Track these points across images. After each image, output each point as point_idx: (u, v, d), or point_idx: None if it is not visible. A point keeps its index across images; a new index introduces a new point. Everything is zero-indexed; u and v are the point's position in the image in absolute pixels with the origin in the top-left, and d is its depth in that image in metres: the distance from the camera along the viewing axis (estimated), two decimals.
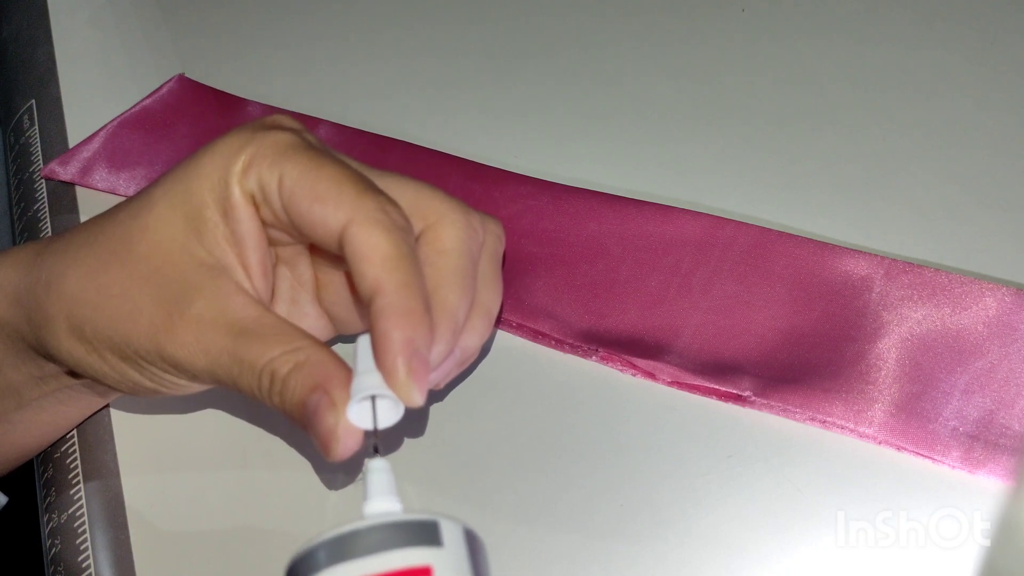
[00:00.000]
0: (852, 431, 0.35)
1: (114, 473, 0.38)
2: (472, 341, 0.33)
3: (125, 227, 0.32)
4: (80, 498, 0.38)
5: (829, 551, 0.33)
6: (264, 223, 0.32)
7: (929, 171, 0.42)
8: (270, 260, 0.33)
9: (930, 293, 0.37)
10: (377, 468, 0.30)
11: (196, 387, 0.33)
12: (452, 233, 0.32)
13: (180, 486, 0.38)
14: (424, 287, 0.30)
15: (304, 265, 0.35)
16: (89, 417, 0.40)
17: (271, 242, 0.33)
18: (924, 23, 0.49)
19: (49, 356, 0.33)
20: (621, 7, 0.53)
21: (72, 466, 0.39)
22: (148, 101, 0.50)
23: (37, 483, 0.40)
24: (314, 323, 0.35)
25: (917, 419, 0.34)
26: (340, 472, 0.36)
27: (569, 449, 0.36)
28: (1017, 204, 0.41)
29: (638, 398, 0.37)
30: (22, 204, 0.50)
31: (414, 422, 0.37)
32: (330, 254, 0.33)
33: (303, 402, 0.29)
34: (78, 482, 0.38)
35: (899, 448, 0.34)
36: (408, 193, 0.32)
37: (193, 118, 0.50)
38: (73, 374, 0.34)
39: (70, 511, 0.38)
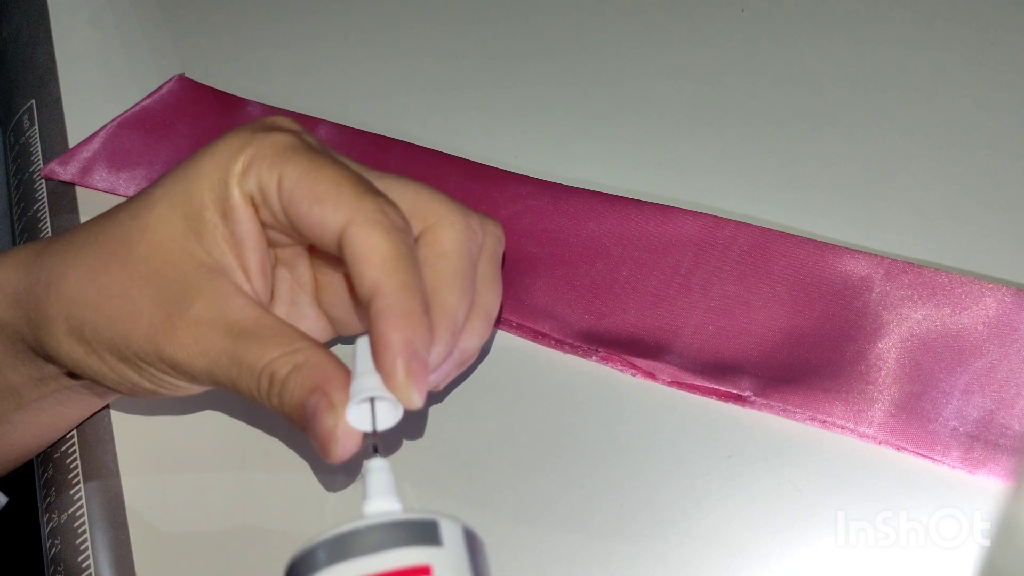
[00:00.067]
0: (852, 431, 0.35)
1: (114, 473, 0.38)
2: (471, 342, 0.33)
3: (125, 228, 0.32)
4: (80, 498, 0.38)
5: (829, 551, 0.33)
6: (263, 224, 0.32)
7: (929, 171, 0.42)
8: (269, 261, 0.33)
9: (930, 293, 0.37)
10: (376, 468, 0.30)
11: (195, 388, 0.33)
12: (451, 235, 0.32)
13: (180, 486, 0.38)
14: (423, 288, 0.30)
15: (303, 266, 0.35)
16: (89, 418, 0.40)
17: (270, 243, 0.33)
18: (924, 23, 0.49)
19: (48, 357, 0.33)
20: (621, 7, 0.53)
21: (72, 466, 0.39)
22: (148, 101, 0.50)
23: (37, 483, 0.40)
24: (313, 324, 0.35)
25: (917, 419, 0.34)
26: (340, 473, 0.36)
27: (569, 449, 0.36)
28: (1017, 204, 0.41)
29: (638, 398, 0.37)
30: (22, 204, 0.50)
31: (413, 423, 0.37)
32: (329, 255, 0.33)
33: (302, 404, 0.29)
34: (78, 482, 0.38)
35: (899, 448, 0.34)
36: (407, 194, 0.32)
37: (193, 118, 0.50)
38: (72, 375, 0.34)
39: (70, 511, 0.38)
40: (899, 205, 0.41)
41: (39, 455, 0.40)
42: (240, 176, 0.31)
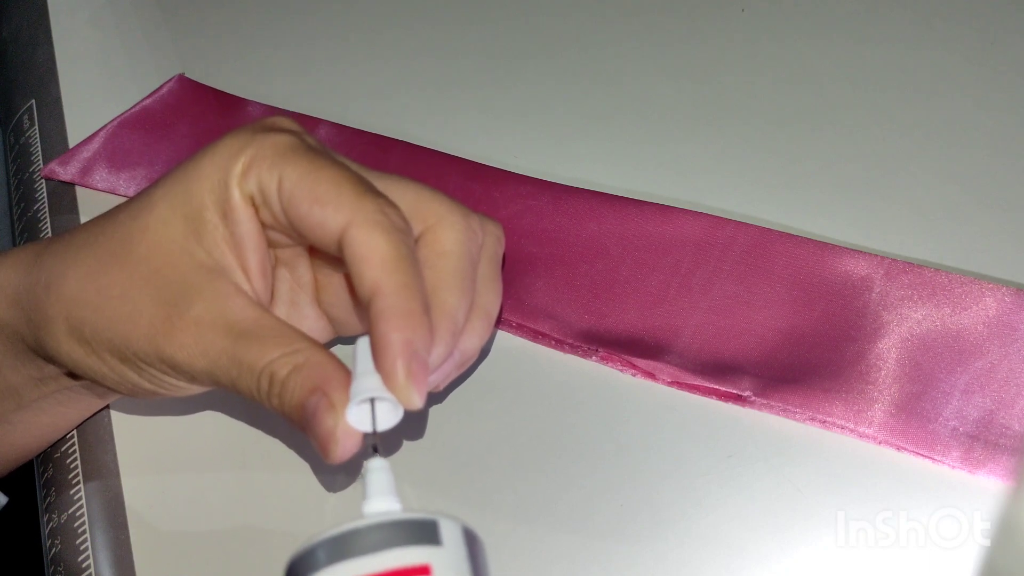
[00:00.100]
0: (852, 431, 0.35)
1: (114, 473, 0.38)
2: (471, 343, 0.33)
3: (125, 228, 0.32)
4: (80, 498, 0.38)
5: (829, 551, 0.33)
6: (264, 225, 0.32)
7: (929, 171, 0.42)
8: (269, 262, 0.33)
9: (930, 293, 0.37)
10: (376, 468, 0.30)
11: (195, 389, 0.33)
12: (451, 235, 0.32)
13: (180, 486, 0.38)
14: (423, 289, 0.30)
15: (303, 267, 0.35)
16: (89, 418, 0.40)
17: (270, 244, 0.33)
18: (924, 23, 0.49)
19: (48, 357, 0.33)
20: (621, 7, 0.53)
21: (72, 466, 0.39)
22: (148, 101, 0.50)
23: (37, 483, 0.40)
24: (313, 325, 0.35)
25: (917, 419, 0.34)
26: (340, 473, 0.36)
27: (569, 449, 0.36)
28: (1017, 204, 0.41)
29: (638, 398, 0.37)
30: (22, 204, 0.50)
31: (414, 423, 0.37)
32: (329, 256, 0.33)
33: (302, 404, 0.29)
34: (78, 482, 0.38)
35: (899, 448, 0.34)
36: (408, 195, 0.32)
37: (193, 118, 0.50)
38: (73, 375, 0.34)
39: (70, 511, 0.38)
40: (899, 205, 0.41)
41: (39, 455, 0.40)
42: (240, 177, 0.31)
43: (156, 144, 0.49)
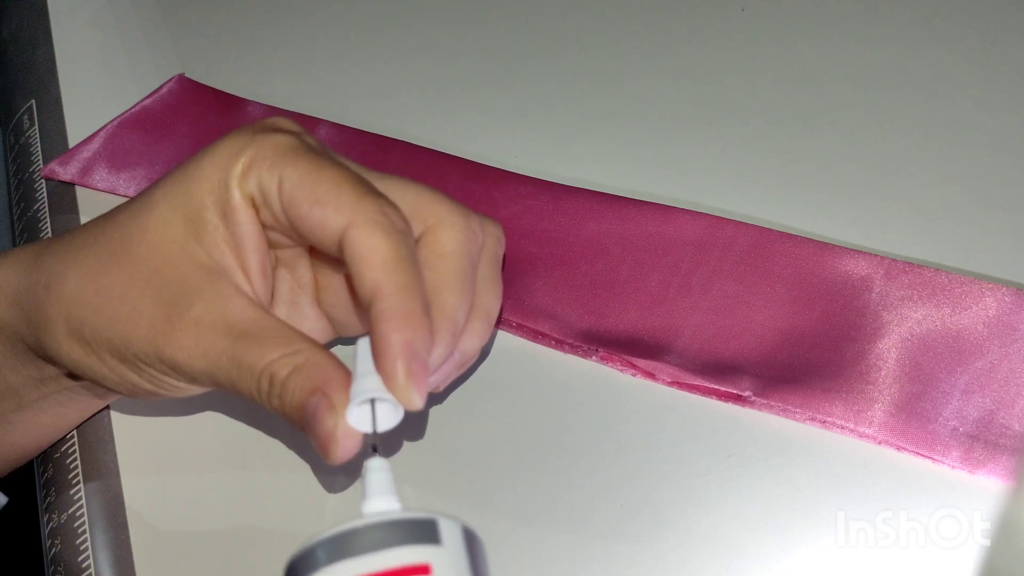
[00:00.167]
0: (852, 431, 0.35)
1: (114, 473, 0.38)
2: (472, 344, 0.33)
3: (125, 229, 0.32)
4: (80, 498, 0.38)
5: (829, 551, 0.33)
6: (264, 226, 0.32)
7: (929, 171, 0.42)
8: (270, 262, 0.33)
9: (930, 293, 0.37)
10: (376, 467, 0.30)
11: (195, 389, 0.33)
12: (452, 236, 0.32)
13: (180, 487, 0.38)
14: (423, 290, 0.30)
15: (304, 267, 0.35)
16: (89, 418, 0.40)
17: (271, 244, 0.33)
18: (924, 23, 0.49)
19: (48, 358, 0.33)
20: (621, 7, 0.53)
21: (72, 466, 0.39)
22: (148, 101, 0.50)
23: (37, 483, 0.40)
24: (313, 325, 0.35)
25: (917, 419, 0.34)
26: (340, 474, 0.36)
27: (569, 449, 0.36)
28: (1017, 204, 0.41)
29: (638, 398, 0.37)
30: (22, 204, 0.50)
31: (414, 424, 0.37)
32: (330, 257, 0.33)
33: (302, 405, 0.29)
34: (78, 482, 0.38)
35: (899, 448, 0.34)
36: (408, 196, 0.32)
37: (193, 118, 0.50)
38: (73, 376, 0.34)
39: (70, 511, 0.38)
40: (899, 205, 0.41)
41: (39, 455, 0.40)
42: (240, 177, 0.31)
43: (156, 144, 0.49)
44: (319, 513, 0.36)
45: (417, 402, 0.29)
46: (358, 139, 0.47)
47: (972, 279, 0.37)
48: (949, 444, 0.34)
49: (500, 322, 0.40)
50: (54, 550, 0.37)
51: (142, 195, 0.33)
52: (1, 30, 0.61)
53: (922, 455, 0.34)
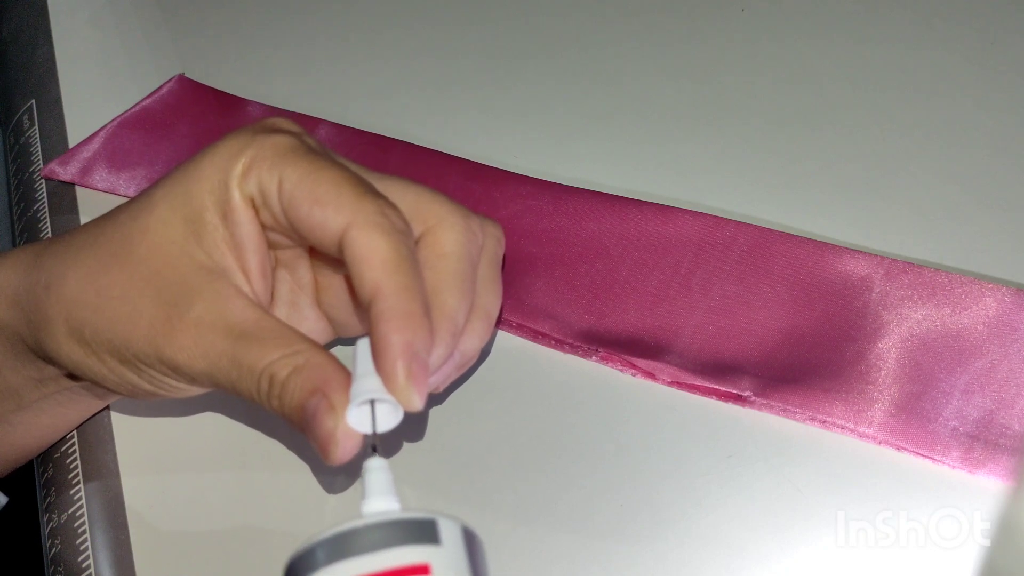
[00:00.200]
0: (852, 431, 0.35)
1: (114, 473, 0.38)
2: (471, 344, 0.33)
3: (125, 229, 0.32)
4: (80, 498, 0.38)
5: (829, 551, 0.33)
6: (264, 226, 0.32)
7: (929, 171, 0.42)
8: (269, 263, 0.33)
9: (930, 293, 0.37)
10: (375, 467, 0.30)
11: (195, 390, 0.33)
12: (451, 236, 0.32)
13: (180, 487, 0.38)
14: (423, 290, 0.30)
15: (304, 268, 0.35)
16: (89, 418, 0.40)
17: (271, 245, 0.33)
18: (924, 23, 0.49)
19: (48, 358, 0.33)
20: (621, 7, 0.53)
21: (72, 466, 0.39)
22: (148, 101, 0.50)
23: (37, 483, 0.40)
24: (313, 326, 0.35)
25: (917, 419, 0.34)
26: (340, 474, 0.36)
27: (569, 449, 0.36)
28: (1017, 204, 0.41)
29: (638, 398, 0.37)
30: (22, 204, 0.50)
31: (414, 425, 0.37)
32: (330, 257, 0.33)
33: (302, 406, 0.29)
34: (78, 482, 0.38)
35: (899, 448, 0.34)
36: (408, 196, 0.32)
37: (193, 118, 0.50)
38: (72, 376, 0.34)
39: (70, 511, 0.38)
40: (899, 205, 0.41)
41: (39, 455, 0.40)
42: (240, 178, 0.31)
43: (156, 144, 0.49)
44: (319, 513, 0.36)
45: (417, 403, 0.29)
46: (358, 139, 0.47)
47: (972, 279, 0.37)
48: (949, 444, 0.34)
49: (500, 322, 0.40)
50: (54, 550, 0.37)
51: (142, 195, 0.33)
52: (1, 30, 0.61)
53: (922, 455, 0.34)
